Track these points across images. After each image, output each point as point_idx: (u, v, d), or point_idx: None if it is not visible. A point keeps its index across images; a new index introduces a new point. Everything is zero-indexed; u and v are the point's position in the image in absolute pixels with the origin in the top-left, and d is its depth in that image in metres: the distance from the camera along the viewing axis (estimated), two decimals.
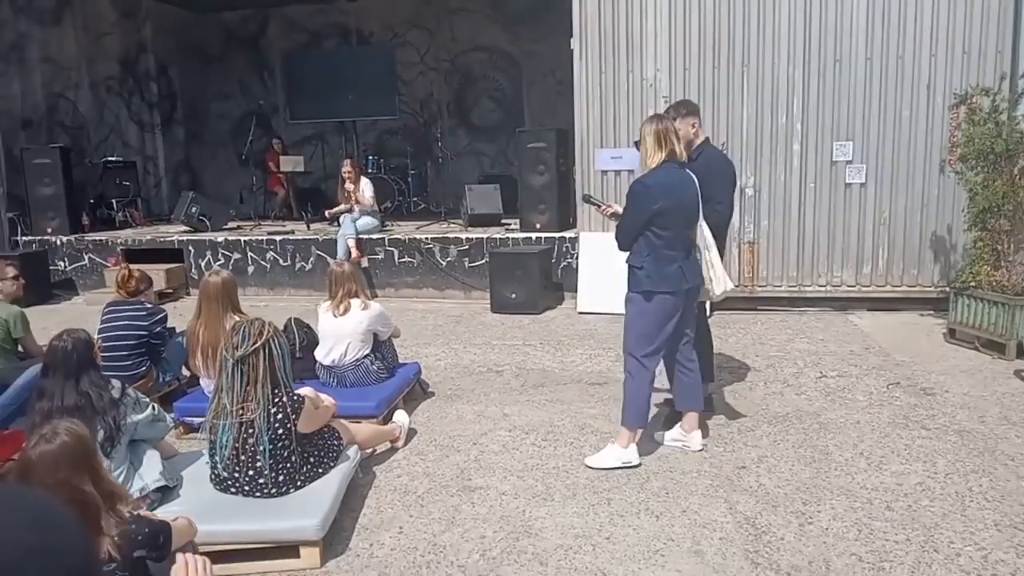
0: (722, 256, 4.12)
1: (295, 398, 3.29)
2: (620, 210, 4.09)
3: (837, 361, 5.67)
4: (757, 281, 7.43)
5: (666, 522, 3.32)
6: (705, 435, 4.18)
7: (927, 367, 5.47)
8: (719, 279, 4.02)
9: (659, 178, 3.74)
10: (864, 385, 5.10)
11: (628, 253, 3.87)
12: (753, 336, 6.51)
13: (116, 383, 3.54)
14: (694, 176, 3.85)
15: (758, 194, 7.34)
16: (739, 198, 7.30)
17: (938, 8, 6.79)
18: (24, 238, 9.53)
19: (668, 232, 3.76)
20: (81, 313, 7.66)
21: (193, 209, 9.46)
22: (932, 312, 7.00)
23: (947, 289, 6.52)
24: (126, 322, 4.68)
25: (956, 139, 6.58)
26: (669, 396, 4.40)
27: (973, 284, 5.94)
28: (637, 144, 3.90)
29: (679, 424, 4.13)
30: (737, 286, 7.41)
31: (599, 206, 4.35)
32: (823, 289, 7.34)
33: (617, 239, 3.91)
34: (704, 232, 3.96)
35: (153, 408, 3.50)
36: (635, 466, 3.85)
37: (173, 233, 9.52)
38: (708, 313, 7.05)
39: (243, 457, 3.19)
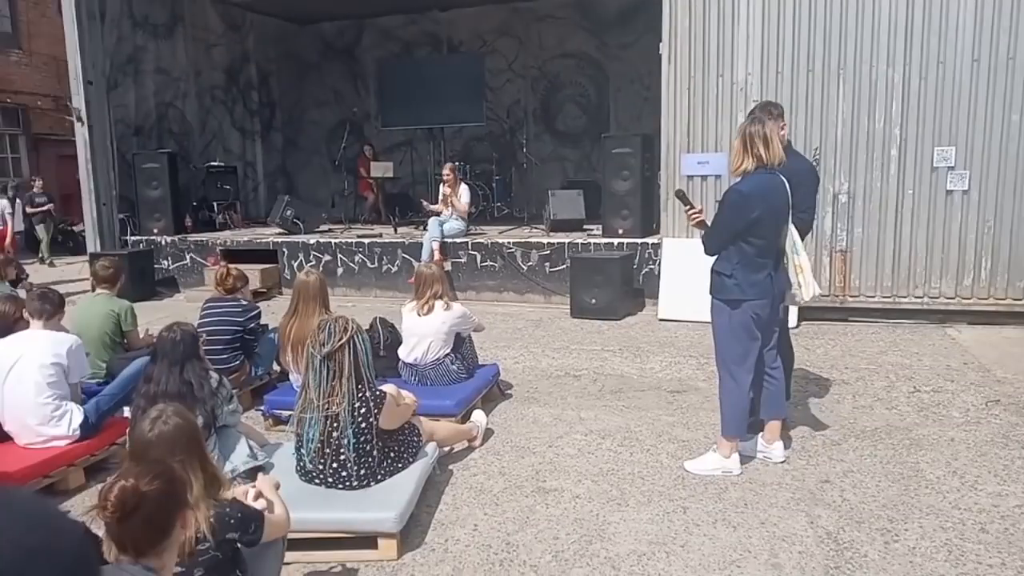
0: None
1: (378, 393, 3.40)
2: (706, 220, 4.01)
3: (932, 376, 5.41)
4: (849, 291, 7.17)
5: (743, 533, 3.25)
6: (787, 447, 4.07)
7: None
8: (808, 284, 3.91)
9: (755, 186, 3.65)
10: (961, 401, 4.85)
11: (715, 258, 3.79)
12: (843, 348, 6.28)
13: (215, 375, 3.76)
14: (785, 181, 3.76)
15: (852, 201, 7.09)
16: (832, 204, 7.11)
17: None
18: (133, 237, 10.16)
19: (762, 241, 3.69)
20: (182, 309, 8.10)
21: (288, 212, 9.87)
22: None
23: None
24: (223, 317, 4.95)
25: None
26: None
27: None
28: None
29: (760, 434, 4.04)
30: (827, 295, 7.19)
31: (689, 207, 4.02)
32: (919, 301, 7.01)
33: (706, 244, 3.82)
34: (793, 236, 3.85)
35: (233, 397, 3.74)
36: (736, 475, 3.80)
37: (269, 235, 9.96)
38: (795, 324, 6.89)
39: (328, 450, 3.31)
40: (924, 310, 7.02)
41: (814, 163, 6.94)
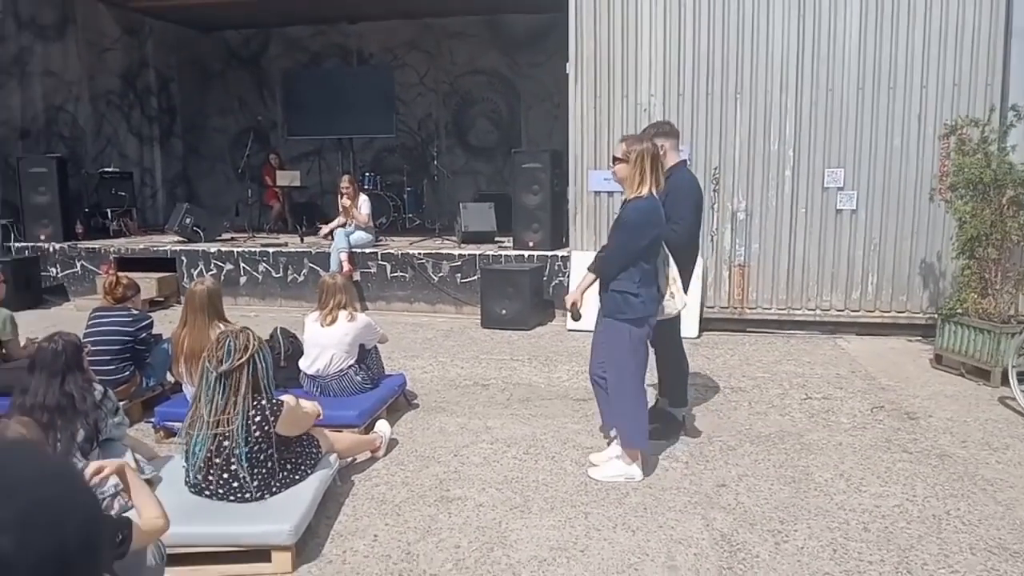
0: (690, 278, 4.29)
1: (275, 402, 3.29)
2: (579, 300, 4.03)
3: (823, 384, 5.67)
4: (747, 303, 7.46)
5: (642, 537, 3.30)
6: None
7: (912, 392, 5.48)
8: (679, 295, 4.06)
9: (651, 204, 3.75)
10: (848, 408, 5.10)
11: (613, 280, 3.80)
12: (741, 357, 6.51)
13: (99, 387, 3.57)
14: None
15: (750, 218, 7.39)
16: (731, 221, 7.40)
17: (929, 41, 6.89)
18: (17, 244, 9.56)
19: (655, 257, 3.82)
20: (70, 319, 7.64)
21: (187, 220, 9.51)
22: (920, 338, 7.02)
23: (935, 315, 6.54)
24: (111, 327, 4.69)
25: (946, 168, 6.64)
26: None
27: (960, 311, 5.97)
28: (616, 160, 3.84)
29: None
30: (727, 307, 7.48)
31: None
32: (812, 313, 7.36)
33: (608, 267, 3.82)
34: (664, 250, 4.00)
35: (119, 410, 3.57)
36: (638, 480, 3.86)
37: (167, 243, 9.56)
38: (697, 335, 7.11)
39: (217, 460, 3.17)
40: (816, 321, 7.37)
41: (713, 182, 7.29)
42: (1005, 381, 5.21)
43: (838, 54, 7.08)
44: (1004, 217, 5.83)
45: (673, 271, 4.02)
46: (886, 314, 7.24)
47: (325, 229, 9.38)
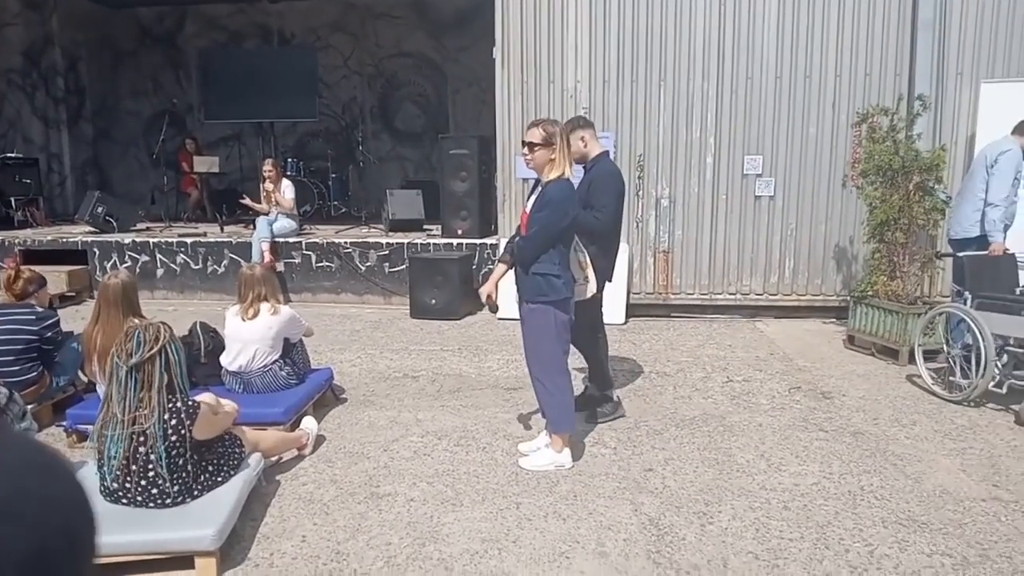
0: (615, 263, 4.46)
1: (190, 404, 3.17)
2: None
3: (743, 366, 5.85)
4: (671, 289, 7.61)
5: (573, 524, 3.34)
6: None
7: (827, 372, 5.71)
8: (591, 279, 4.14)
9: (570, 186, 3.81)
10: (768, 389, 5.28)
11: (533, 263, 3.78)
12: (666, 342, 6.66)
13: (4, 389, 3.39)
14: None
15: (673, 204, 7.53)
16: (655, 208, 7.52)
17: (842, 32, 7.14)
18: None
19: (571, 239, 3.88)
20: None
21: (99, 209, 9.09)
22: (834, 320, 7.32)
23: (848, 298, 6.82)
24: (13, 326, 4.43)
25: (858, 155, 6.91)
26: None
27: (871, 293, 6.24)
28: (533, 146, 3.79)
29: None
30: (652, 293, 7.62)
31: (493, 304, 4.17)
32: (733, 297, 7.58)
33: (530, 246, 3.79)
34: (575, 236, 4.06)
35: (26, 414, 3.40)
36: (568, 468, 3.90)
37: (77, 234, 9.11)
38: (624, 320, 7.23)
39: (134, 467, 3.05)
40: (737, 306, 7.60)
41: (637, 169, 7.39)
42: (912, 360, 5.48)
43: (757, 43, 7.26)
44: (911, 202, 6.10)
45: (584, 257, 4.09)
46: (802, 297, 7.51)
47: (247, 200, 8.96)
